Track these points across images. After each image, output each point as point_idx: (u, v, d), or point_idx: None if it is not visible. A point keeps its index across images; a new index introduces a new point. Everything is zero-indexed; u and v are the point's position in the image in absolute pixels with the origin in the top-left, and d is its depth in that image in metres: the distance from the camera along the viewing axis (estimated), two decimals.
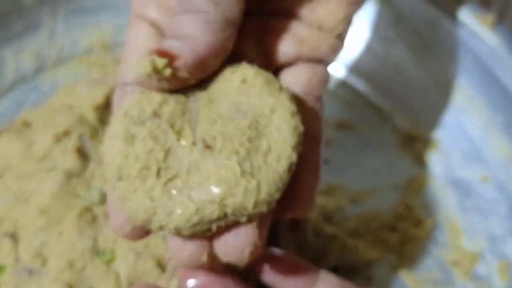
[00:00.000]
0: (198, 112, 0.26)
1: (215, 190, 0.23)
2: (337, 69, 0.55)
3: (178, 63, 0.24)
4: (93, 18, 0.54)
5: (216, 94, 0.26)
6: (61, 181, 0.37)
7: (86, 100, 0.41)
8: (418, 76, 0.52)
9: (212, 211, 0.23)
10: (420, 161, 0.51)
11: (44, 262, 0.35)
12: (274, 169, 0.24)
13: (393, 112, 0.53)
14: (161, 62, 0.24)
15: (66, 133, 0.40)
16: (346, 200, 0.48)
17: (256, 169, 0.24)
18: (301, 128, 0.25)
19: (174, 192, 0.24)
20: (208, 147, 0.24)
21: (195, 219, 0.23)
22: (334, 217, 0.46)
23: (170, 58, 0.24)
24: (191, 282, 0.30)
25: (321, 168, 0.28)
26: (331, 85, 0.55)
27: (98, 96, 0.41)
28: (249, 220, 0.24)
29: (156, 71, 0.24)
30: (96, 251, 0.35)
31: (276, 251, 0.33)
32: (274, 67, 0.30)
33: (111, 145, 0.25)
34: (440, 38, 0.50)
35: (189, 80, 0.26)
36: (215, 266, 0.27)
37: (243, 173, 0.23)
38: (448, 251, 0.46)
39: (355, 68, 0.55)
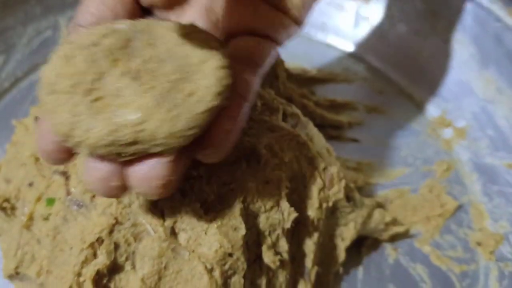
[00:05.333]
0: (136, 50, 0.27)
1: (132, 115, 0.25)
2: (371, 58, 0.58)
3: None
4: None
5: (157, 39, 0.28)
6: None
7: None
8: (450, 67, 0.54)
9: (126, 134, 0.25)
10: (448, 147, 0.52)
11: (92, 197, 0.37)
12: (192, 108, 0.26)
13: (424, 100, 0.55)
14: None
15: None
16: (374, 178, 0.49)
17: (174, 105, 0.25)
18: (226, 80, 0.27)
19: (96, 111, 0.25)
20: (135, 78, 0.26)
21: (109, 139, 0.25)
22: (362, 192, 0.48)
23: None
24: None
25: (241, 121, 0.28)
26: (364, 72, 0.57)
27: None
28: (162, 152, 0.26)
29: None
30: None
31: None
32: (226, 34, 0.31)
33: (49, 64, 0.27)
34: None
35: None
36: None
37: (162, 105, 0.25)
38: (472, 232, 0.47)
39: (389, 58, 0.57)
